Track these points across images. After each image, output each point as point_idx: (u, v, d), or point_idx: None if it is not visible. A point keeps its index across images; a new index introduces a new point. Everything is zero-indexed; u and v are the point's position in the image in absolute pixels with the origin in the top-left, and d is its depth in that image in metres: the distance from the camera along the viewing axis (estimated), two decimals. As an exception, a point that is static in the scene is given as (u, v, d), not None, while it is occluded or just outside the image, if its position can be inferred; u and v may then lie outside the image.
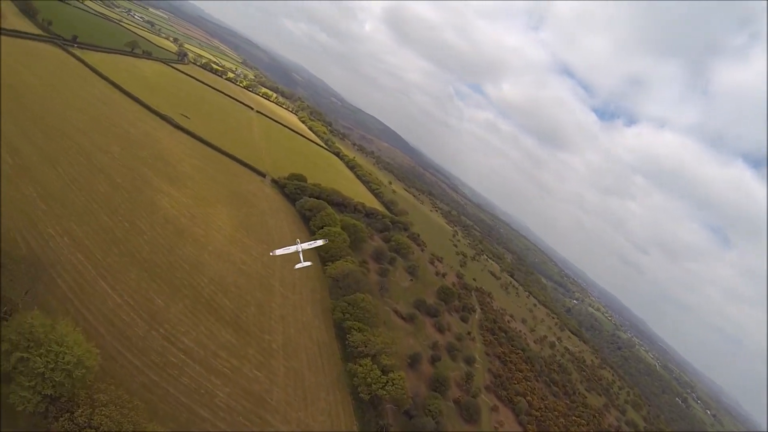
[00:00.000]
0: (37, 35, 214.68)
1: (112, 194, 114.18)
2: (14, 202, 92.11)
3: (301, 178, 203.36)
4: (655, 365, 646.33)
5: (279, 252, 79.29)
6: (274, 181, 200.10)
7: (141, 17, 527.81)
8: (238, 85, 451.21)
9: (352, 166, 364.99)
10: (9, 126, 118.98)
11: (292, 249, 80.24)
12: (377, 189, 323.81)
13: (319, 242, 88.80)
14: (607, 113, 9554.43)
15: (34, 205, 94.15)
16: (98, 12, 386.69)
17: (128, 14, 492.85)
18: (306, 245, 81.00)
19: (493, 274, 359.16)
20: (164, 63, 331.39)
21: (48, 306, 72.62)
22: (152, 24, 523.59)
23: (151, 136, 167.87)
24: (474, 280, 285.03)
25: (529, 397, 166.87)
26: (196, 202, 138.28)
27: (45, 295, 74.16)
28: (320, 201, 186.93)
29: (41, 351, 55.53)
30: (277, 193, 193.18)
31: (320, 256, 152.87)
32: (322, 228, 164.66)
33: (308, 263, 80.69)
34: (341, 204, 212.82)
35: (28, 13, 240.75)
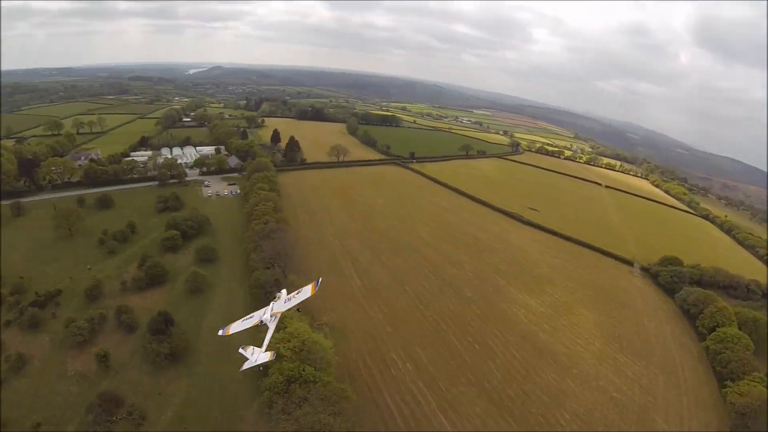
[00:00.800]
0: (380, 160, 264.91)
1: (461, 311, 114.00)
2: (361, 324, 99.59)
3: (674, 261, 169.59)
4: None
5: (235, 328, 49.31)
6: (644, 269, 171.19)
7: (468, 120, 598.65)
8: (578, 162, 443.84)
9: (728, 229, 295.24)
10: (361, 250, 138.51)
11: (255, 318, 48.80)
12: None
13: (303, 296, 48.34)
14: None
15: (380, 328, 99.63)
16: (429, 126, 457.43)
17: (456, 121, 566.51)
18: (279, 306, 48.53)
19: None
20: (499, 158, 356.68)
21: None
22: (480, 123, 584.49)
23: (501, 237, 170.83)
24: None
25: None
26: (556, 311, 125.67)
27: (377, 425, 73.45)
28: (706, 291, 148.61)
29: None
30: (650, 285, 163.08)
31: (716, 372, 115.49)
32: (714, 330, 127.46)
33: (267, 356, 46.29)
34: (729, 287, 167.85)
35: (369, 142, 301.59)
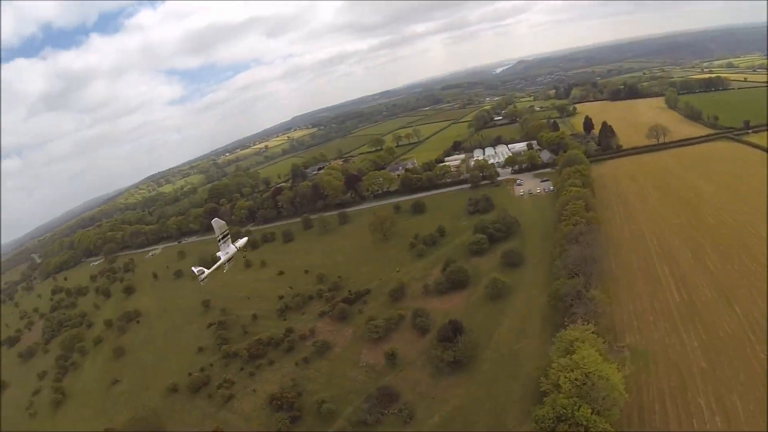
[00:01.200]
0: (707, 135, 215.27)
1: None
2: (669, 352, 79.47)
3: None
4: None
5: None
6: None
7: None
8: None
9: None
10: (682, 252, 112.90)
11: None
12: None
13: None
14: None
15: (692, 360, 77.45)
16: (763, 83, 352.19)
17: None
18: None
19: None
20: None
21: None
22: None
23: None
24: None
25: None
26: None
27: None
28: None
29: None
30: None
31: None
32: None
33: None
34: None
35: (693, 116, 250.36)
